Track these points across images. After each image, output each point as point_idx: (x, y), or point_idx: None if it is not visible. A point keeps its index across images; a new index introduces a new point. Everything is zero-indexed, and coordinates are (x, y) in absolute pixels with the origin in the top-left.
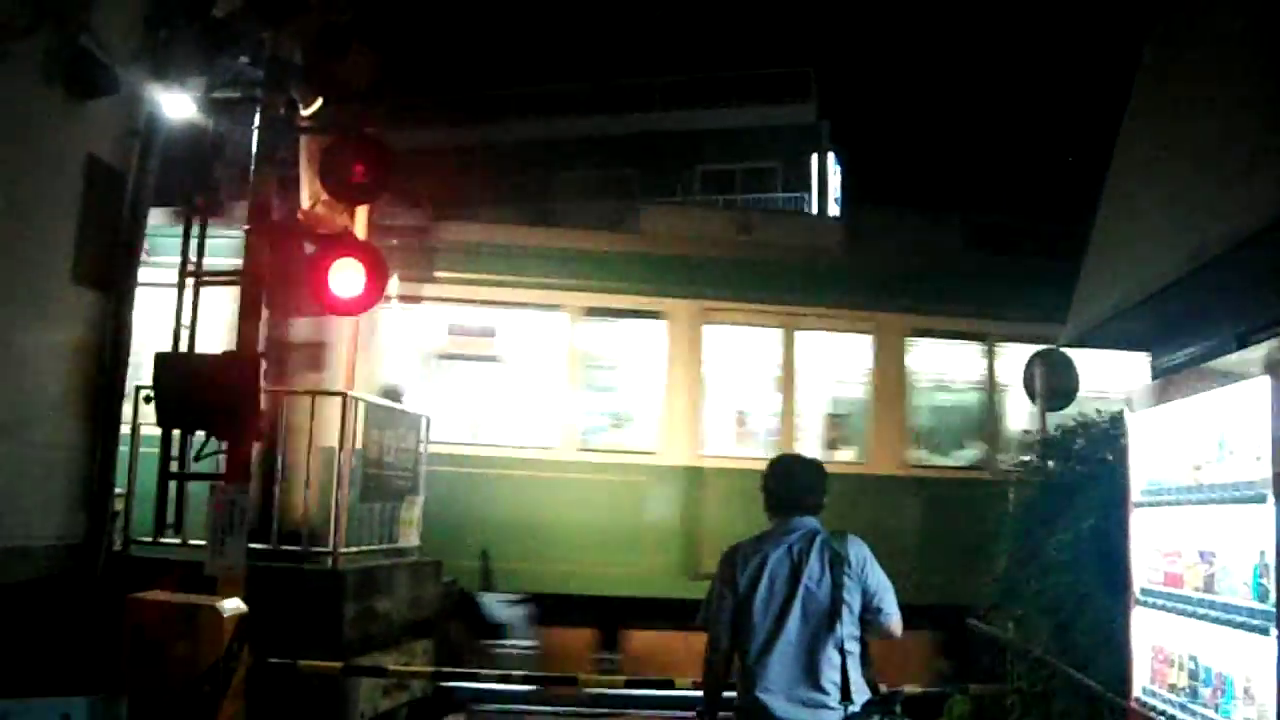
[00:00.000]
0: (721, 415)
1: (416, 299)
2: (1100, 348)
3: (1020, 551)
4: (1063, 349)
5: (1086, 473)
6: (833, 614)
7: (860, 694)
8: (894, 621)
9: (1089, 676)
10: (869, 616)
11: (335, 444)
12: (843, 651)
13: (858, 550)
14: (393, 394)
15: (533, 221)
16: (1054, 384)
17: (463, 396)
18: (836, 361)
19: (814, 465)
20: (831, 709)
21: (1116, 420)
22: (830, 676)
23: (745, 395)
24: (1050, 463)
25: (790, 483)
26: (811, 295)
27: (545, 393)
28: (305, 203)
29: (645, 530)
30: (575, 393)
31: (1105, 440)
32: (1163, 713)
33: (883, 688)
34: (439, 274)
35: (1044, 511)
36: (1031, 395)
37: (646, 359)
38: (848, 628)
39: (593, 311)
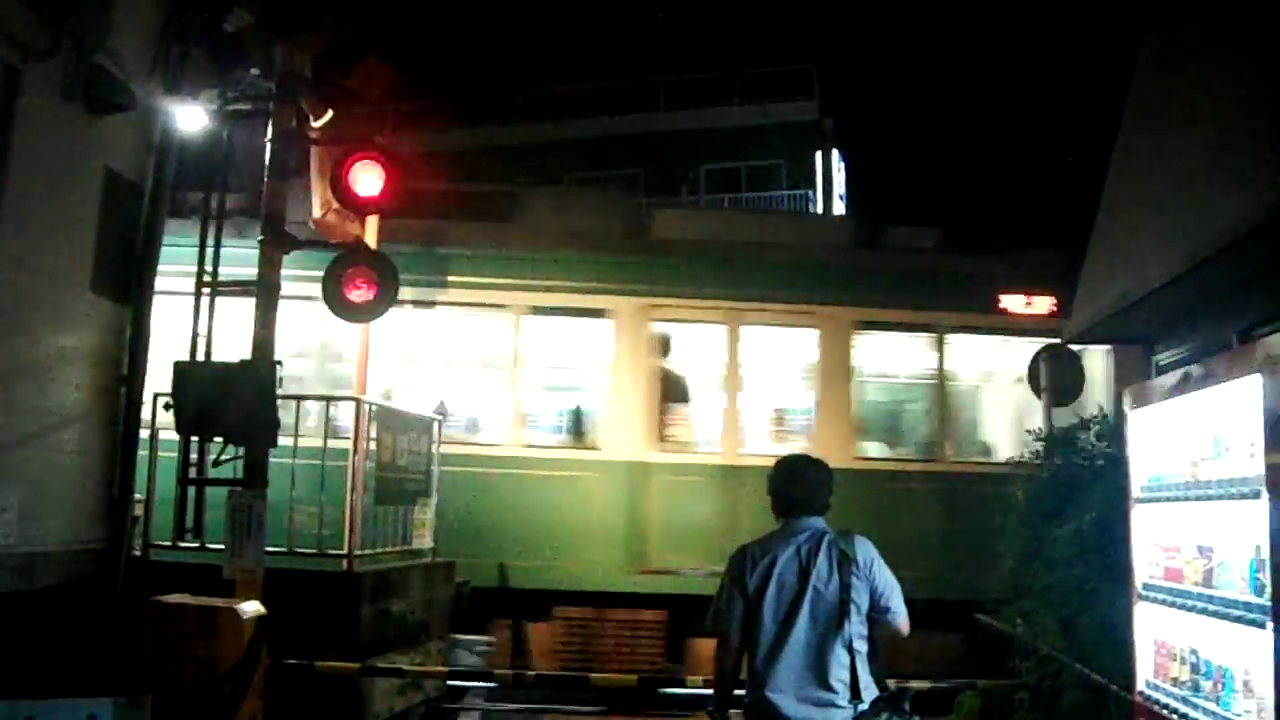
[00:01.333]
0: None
1: None
2: (1101, 344)
3: (1026, 547)
4: (1068, 345)
5: (1090, 469)
6: (841, 614)
7: (869, 692)
8: (901, 620)
9: (1095, 671)
10: (876, 615)
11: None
12: (851, 650)
13: (865, 550)
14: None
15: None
16: (1059, 380)
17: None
18: None
19: (820, 465)
20: (840, 707)
21: (1118, 417)
22: (839, 675)
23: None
24: (1056, 460)
25: (797, 483)
26: None
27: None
28: (316, 212)
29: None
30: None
31: (1108, 436)
32: (1165, 705)
33: (891, 685)
34: None
35: (1048, 507)
36: (1037, 391)
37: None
38: (856, 627)
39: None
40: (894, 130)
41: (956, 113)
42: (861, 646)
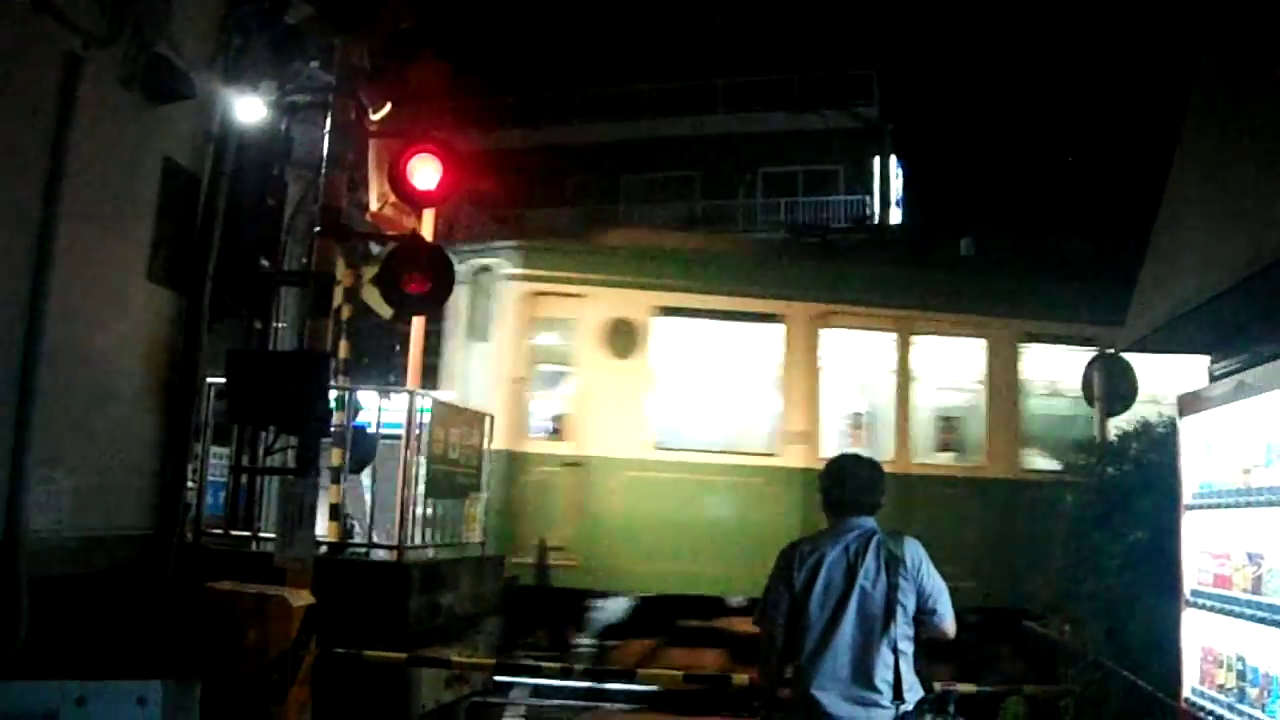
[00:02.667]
0: None
1: None
2: (1159, 352)
3: (1074, 555)
4: (1121, 353)
5: (1141, 476)
6: (887, 614)
7: (913, 693)
8: (948, 623)
9: (1141, 678)
10: (924, 617)
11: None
12: (896, 651)
13: (914, 551)
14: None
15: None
16: (1112, 388)
17: None
18: None
19: (872, 465)
20: (884, 708)
21: (1171, 425)
22: (883, 675)
23: None
24: (1108, 468)
25: (848, 483)
26: None
27: None
28: (374, 205)
29: None
30: None
31: (1160, 444)
32: (1211, 713)
33: (937, 686)
34: None
35: (1099, 514)
36: (1089, 399)
37: None
38: (901, 628)
39: None
40: (953, 136)
41: (1015, 118)
42: (906, 648)
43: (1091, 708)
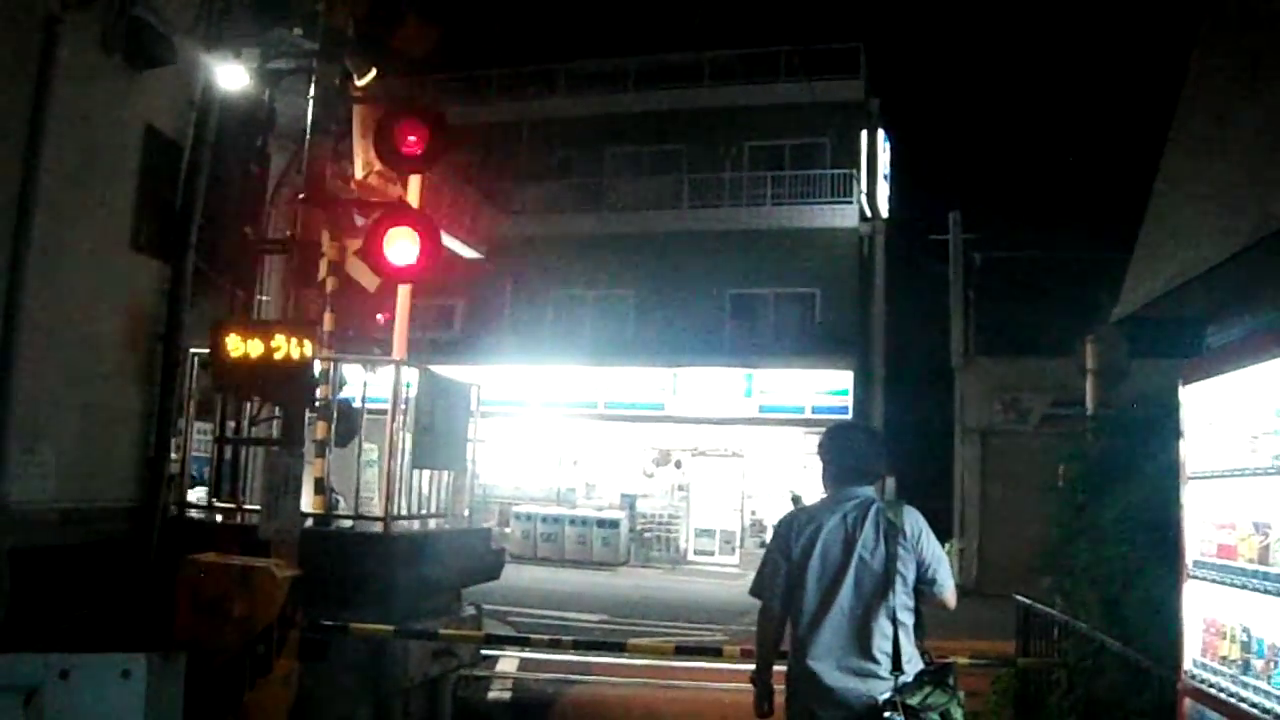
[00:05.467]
0: None
1: None
2: (1154, 323)
3: (1070, 524)
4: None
5: (1139, 445)
6: (886, 584)
7: (912, 665)
8: (948, 592)
9: (1137, 650)
10: (923, 587)
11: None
12: (895, 621)
13: (913, 520)
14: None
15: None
16: (1105, 361)
17: None
18: None
19: (873, 434)
20: (882, 679)
21: (1170, 393)
22: (882, 646)
23: None
24: (1102, 437)
25: (849, 452)
26: None
27: None
28: (359, 173)
29: None
30: None
31: (1158, 413)
32: (1214, 685)
33: (935, 659)
34: None
35: (1095, 484)
36: (1082, 370)
37: None
38: (900, 598)
39: None
40: (942, 111)
41: (1004, 93)
42: (906, 618)
43: (1085, 680)
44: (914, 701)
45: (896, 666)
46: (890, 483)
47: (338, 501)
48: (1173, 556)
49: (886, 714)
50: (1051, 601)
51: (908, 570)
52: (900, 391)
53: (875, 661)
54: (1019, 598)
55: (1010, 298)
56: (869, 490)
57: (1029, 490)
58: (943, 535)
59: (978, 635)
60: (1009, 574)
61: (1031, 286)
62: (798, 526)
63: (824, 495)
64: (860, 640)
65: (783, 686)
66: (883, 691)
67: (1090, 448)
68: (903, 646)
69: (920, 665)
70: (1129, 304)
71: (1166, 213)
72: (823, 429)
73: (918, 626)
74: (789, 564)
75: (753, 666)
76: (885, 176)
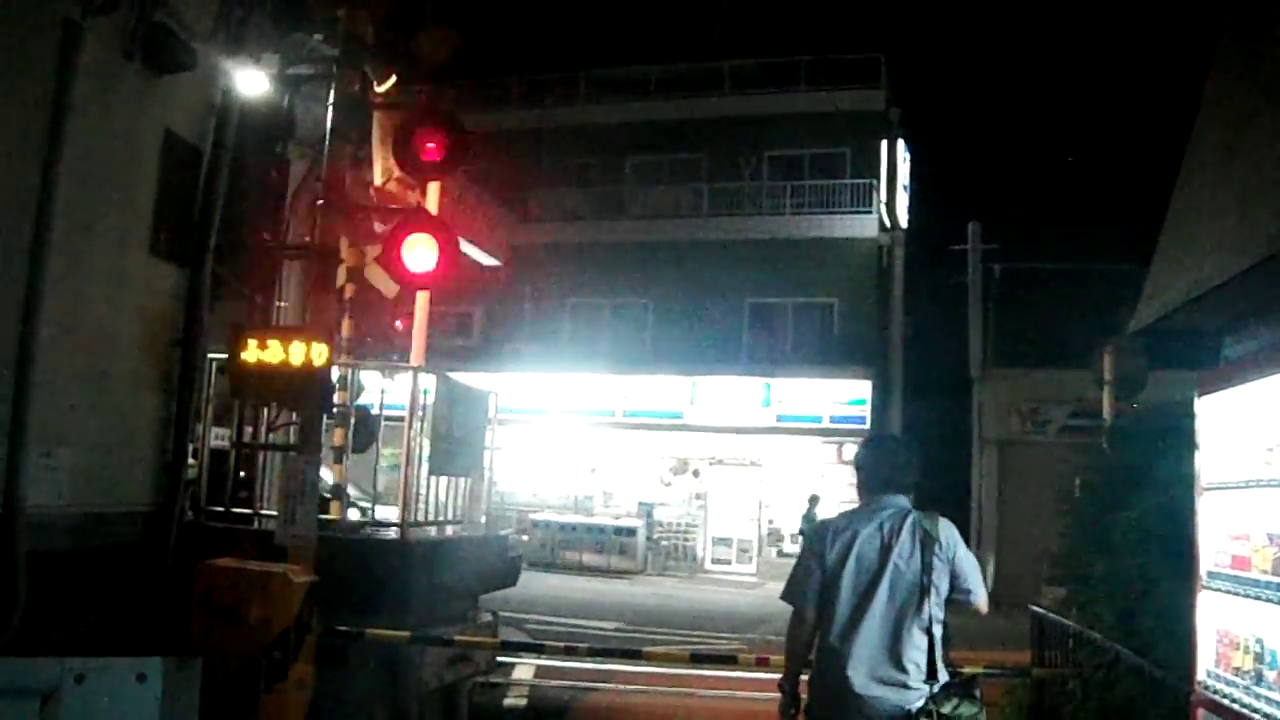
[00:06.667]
0: None
1: None
2: (1172, 335)
3: (1084, 535)
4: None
5: (1154, 456)
6: (921, 594)
7: (943, 675)
8: (981, 600)
9: (1152, 661)
10: (958, 596)
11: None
12: (928, 633)
13: (948, 531)
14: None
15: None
16: (1123, 371)
17: None
18: None
19: (909, 446)
20: (913, 689)
21: (1186, 404)
22: (913, 657)
23: None
24: (1118, 448)
25: (885, 462)
26: None
27: None
28: (378, 179)
29: None
30: None
31: (1174, 424)
32: (1227, 695)
33: (964, 670)
34: None
35: (1110, 495)
36: (1100, 382)
37: None
38: (934, 609)
39: None
40: (962, 122)
41: (1024, 104)
42: (938, 629)
43: (1099, 690)
44: (946, 710)
45: (931, 676)
46: None
47: (366, 510)
48: (1187, 567)
49: None
50: (1066, 612)
51: (942, 581)
52: (918, 402)
53: (906, 672)
54: (1034, 608)
55: (1029, 309)
56: (905, 500)
57: (1047, 502)
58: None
59: (994, 646)
60: (1026, 584)
61: (1050, 298)
62: (833, 533)
63: (859, 504)
64: (893, 650)
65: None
66: (914, 701)
67: (1106, 458)
68: (935, 657)
69: (947, 676)
70: (1146, 315)
71: (1184, 223)
72: (840, 439)
73: (945, 638)
74: (823, 570)
75: (777, 676)
76: (905, 187)
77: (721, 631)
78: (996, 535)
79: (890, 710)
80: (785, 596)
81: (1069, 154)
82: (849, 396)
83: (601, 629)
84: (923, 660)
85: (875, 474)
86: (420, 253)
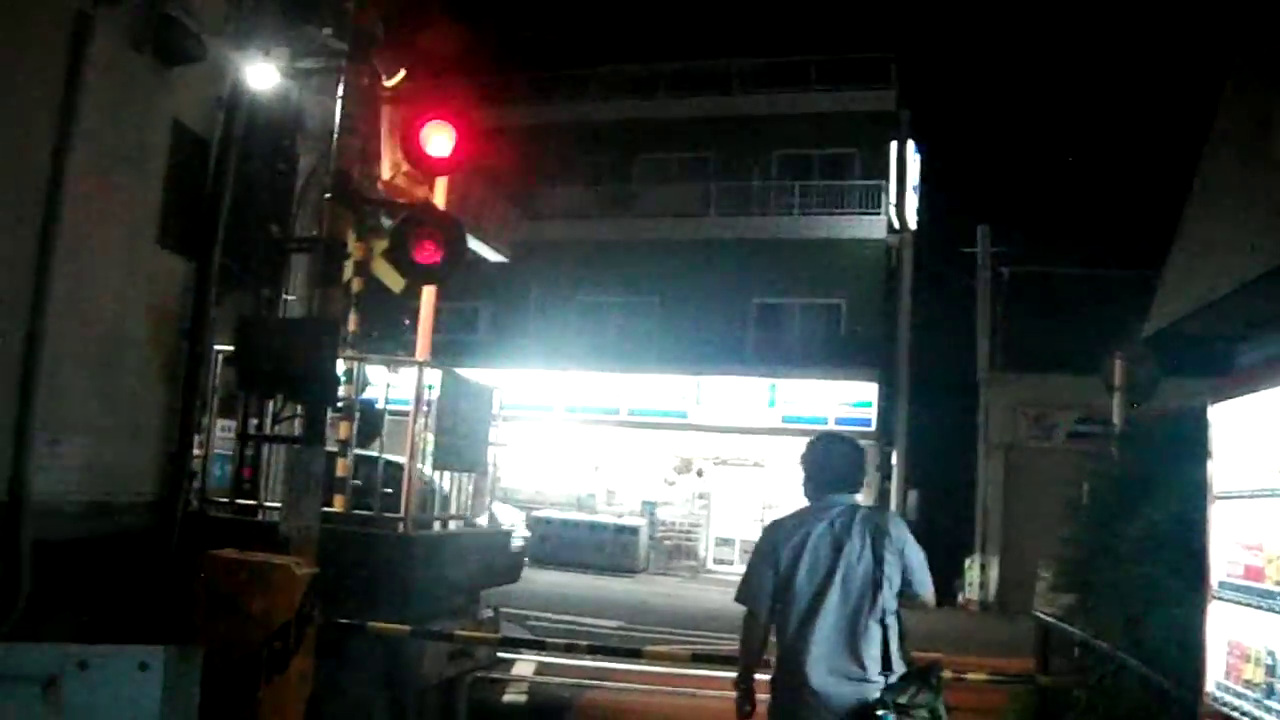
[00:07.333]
0: None
1: None
2: (1185, 340)
3: (1092, 543)
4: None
5: (1165, 463)
6: (874, 588)
7: (898, 666)
8: (928, 592)
9: (1159, 672)
10: (906, 590)
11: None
12: (884, 625)
13: (897, 525)
14: None
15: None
16: (1133, 377)
17: None
18: None
19: (853, 444)
20: (871, 681)
21: (1197, 411)
22: (870, 651)
23: None
24: (1127, 454)
25: (831, 461)
26: None
27: None
28: (386, 174)
29: None
30: None
31: (1185, 432)
32: (1237, 709)
33: (918, 662)
34: None
35: (1119, 503)
36: (1110, 387)
37: None
38: (888, 602)
39: None
40: (972, 124)
41: (1035, 107)
42: (892, 621)
43: (1105, 700)
44: (903, 700)
45: (886, 667)
46: (913, 496)
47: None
48: (1197, 577)
49: (879, 712)
50: (1072, 619)
51: (894, 574)
52: (924, 405)
53: (864, 666)
54: (1039, 614)
55: (1038, 313)
56: (853, 498)
57: (1053, 507)
58: (964, 550)
59: (997, 652)
60: (1030, 590)
61: (1059, 302)
62: (784, 533)
63: (806, 504)
64: (849, 644)
65: (765, 696)
66: (872, 693)
67: (1114, 465)
68: (891, 649)
69: (904, 667)
70: (1159, 320)
71: (1200, 228)
72: None
73: (901, 630)
74: (775, 571)
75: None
76: (914, 188)
77: (723, 632)
78: (1002, 540)
79: (850, 704)
80: (739, 598)
81: (1081, 157)
82: (855, 398)
83: (603, 627)
84: (878, 653)
85: (823, 473)
86: (427, 247)
